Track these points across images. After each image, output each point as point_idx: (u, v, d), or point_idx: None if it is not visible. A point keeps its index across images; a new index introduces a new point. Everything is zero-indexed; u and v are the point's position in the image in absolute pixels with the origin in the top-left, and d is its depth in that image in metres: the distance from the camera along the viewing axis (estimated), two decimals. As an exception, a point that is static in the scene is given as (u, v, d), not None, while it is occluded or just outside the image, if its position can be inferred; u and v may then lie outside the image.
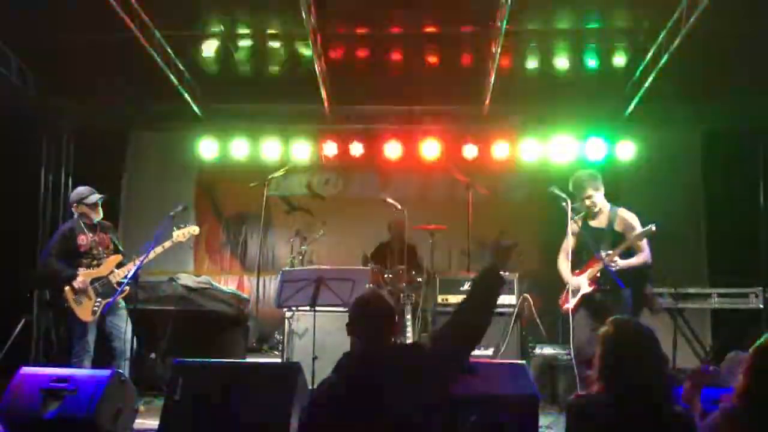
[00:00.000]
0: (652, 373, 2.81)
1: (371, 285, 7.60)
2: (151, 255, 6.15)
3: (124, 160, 10.10)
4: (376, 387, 2.95)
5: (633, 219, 5.83)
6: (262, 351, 8.63)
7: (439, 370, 3.05)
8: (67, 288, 6.08)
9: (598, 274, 5.73)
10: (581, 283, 5.84)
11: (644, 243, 5.80)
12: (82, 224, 6.31)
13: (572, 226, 6.01)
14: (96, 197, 6.38)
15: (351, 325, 3.25)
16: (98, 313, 6.14)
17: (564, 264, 6.09)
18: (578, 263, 6.00)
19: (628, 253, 5.79)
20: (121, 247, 6.56)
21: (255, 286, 9.15)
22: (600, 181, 5.96)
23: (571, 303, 5.89)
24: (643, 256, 5.77)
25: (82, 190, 6.45)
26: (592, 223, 5.94)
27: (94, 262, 6.25)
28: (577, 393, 3.56)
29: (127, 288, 6.10)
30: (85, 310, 6.12)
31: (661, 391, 2.81)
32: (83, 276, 6.13)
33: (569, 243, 6.05)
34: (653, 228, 5.64)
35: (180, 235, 6.49)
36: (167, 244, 6.40)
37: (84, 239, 6.26)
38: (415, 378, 2.98)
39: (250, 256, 10.07)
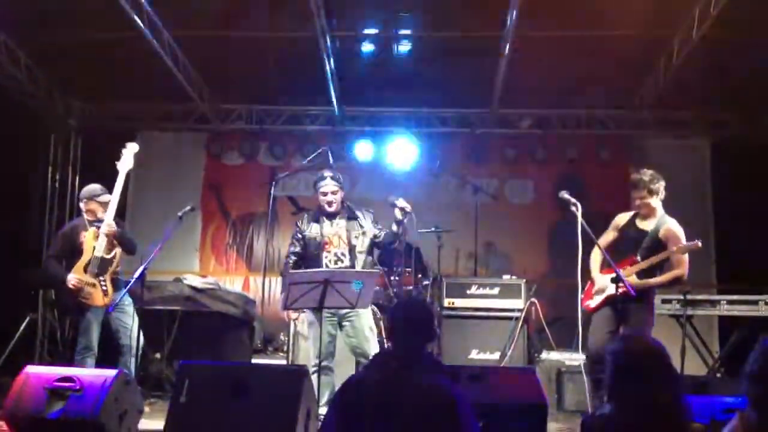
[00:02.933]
0: (663, 391, 2.71)
1: (379, 287, 7.60)
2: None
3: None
4: (400, 399, 2.95)
5: (680, 232, 5.59)
6: (267, 352, 8.60)
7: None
8: (70, 289, 6.08)
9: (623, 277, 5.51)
10: (607, 283, 5.67)
11: (684, 257, 5.61)
12: (87, 222, 6.28)
13: (617, 220, 5.87)
14: (108, 197, 6.36)
15: (386, 330, 3.33)
16: (110, 292, 6.11)
17: (596, 256, 5.86)
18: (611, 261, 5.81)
19: (660, 266, 5.64)
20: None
21: (261, 287, 9.15)
22: (661, 185, 5.69)
23: (594, 301, 5.73)
24: (678, 272, 5.56)
25: (94, 187, 6.40)
26: (639, 224, 5.76)
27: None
28: (591, 412, 3.48)
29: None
30: (97, 297, 6.08)
31: (676, 409, 2.73)
32: (73, 274, 6.09)
33: (609, 235, 5.86)
34: (699, 244, 5.48)
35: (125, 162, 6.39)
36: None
37: (86, 236, 6.23)
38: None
39: (256, 257, 10.05)
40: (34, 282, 8.55)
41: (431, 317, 3.38)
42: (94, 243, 6.17)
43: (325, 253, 5.82)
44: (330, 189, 5.91)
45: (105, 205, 6.31)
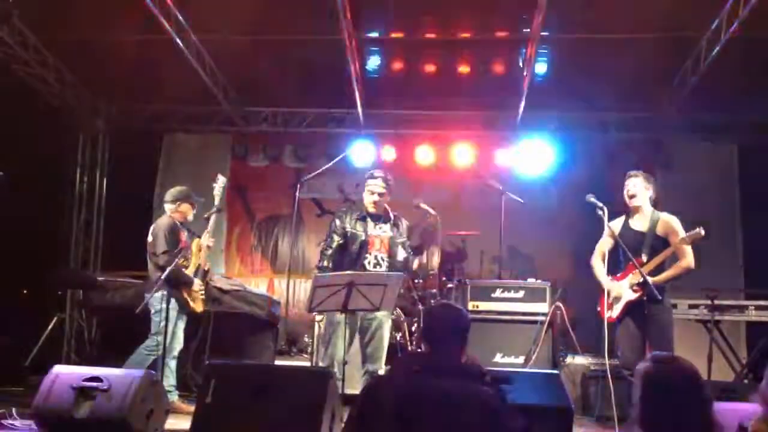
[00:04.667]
0: (697, 416, 2.64)
1: (401, 290, 7.60)
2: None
3: (158, 161, 10.18)
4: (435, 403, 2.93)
5: (676, 222, 5.61)
6: (291, 354, 8.63)
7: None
8: (186, 292, 6.15)
9: (641, 281, 5.51)
10: (623, 289, 5.64)
11: (687, 247, 5.60)
12: (179, 223, 6.33)
13: (612, 226, 5.85)
14: (197, 199, 6.48)
15: (427, 334, 3.31)
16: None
17: (600, 265, 5.84)
18: (615, 266, 5.80)
19: (664, 262, 5.62)
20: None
21: (285, 289, 9.19)
22: (651, 185, 5.77)
23: (614, 311, 5.68)
24: (684, 264, 5.55)
25: (184, 189, 6.51)
26: (633, 226, 5.75)
27: (185, 262, 6.23)
28: None
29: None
30: (200, 303, 6.27)
31: None
32: (197, 279, 6.22)
33: (605, 243, 5.85)
34: (702, 232, 5.45)
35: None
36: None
37: (184, 236, 6.30)
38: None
39: (281, 259, 10.10)
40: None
41: (468, 324, 3.37)
42: (198, 253, 6.27)
43: (366, 254, 5.73)
44: (378, 189, 5.82)
45: (194, 206, 6.41)
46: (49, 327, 8.22)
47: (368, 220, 5.82)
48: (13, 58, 8.17)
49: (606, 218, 5.62)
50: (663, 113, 9.13)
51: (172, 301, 6.00)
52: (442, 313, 3.44)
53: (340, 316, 5.42)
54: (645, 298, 5.48)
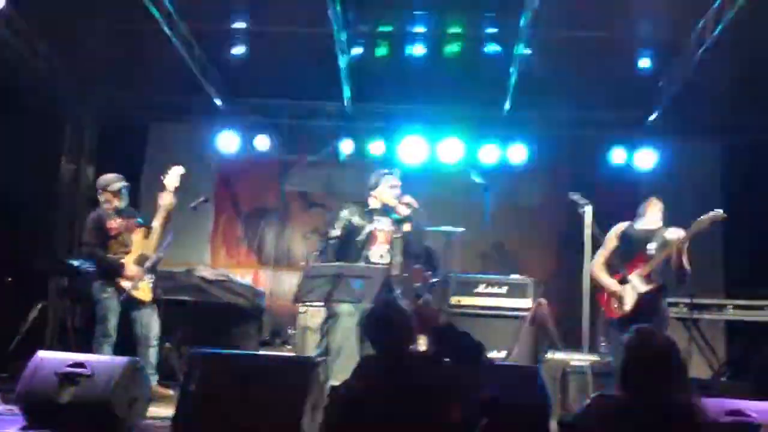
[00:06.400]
0: (673, 382, 2.83)
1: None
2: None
3: (145, 151, 10.16)
4: (394, 401, 2.99)
5: (681, 231, 5.77)
6: (274, 345, 8.66)
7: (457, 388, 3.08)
8: (120, 279, 6.13)
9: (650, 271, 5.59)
10: (634, 283, 5.69)
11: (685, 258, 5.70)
12: (108, 211, 6.36)
13: (616, 229, 5.92)
14: (119, 185, 6.43)
15: (366, 334, 3.35)
16: (159, 289, 6.28)
17: (603, 275, 5.91)
18: (617, 266, 5.87)
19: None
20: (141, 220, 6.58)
21: (270, 281, 9.23)
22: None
23: (626, 305, 5.70)
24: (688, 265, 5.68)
25: (108, 176, 6.52)
26: (640, 226, 5.84)
27: (122, 249, 6.27)
28: (599, 395, 3.57)
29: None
30: (146, 292, 6.19)
31: (684, 400, 2.82)
32: (128, 262, 6.17)
33: (610, 246, 5.91)
34: (724, 214, 5.59)
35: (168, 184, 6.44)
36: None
37: (113, 224, 6.30)
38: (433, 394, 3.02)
39: (267, 251, 10.11)
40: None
41: (405, 317, 3.41)
42: (143, 241, 6.27)
43: (373, 247, 5.80)
44: (398, 183, 5.94)
45: (115, 194, 6.40)
46: (32, 314, 8.19)
47: (373, 215, 5.91)
48: (2, 45, 8.12)
49: (590, 215, 5.69)
50: (648, 113, 9.19)
51: (109, 290, 6.08)
52: (377, 311, 3.52)
53: (342, 308, 5.48)
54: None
